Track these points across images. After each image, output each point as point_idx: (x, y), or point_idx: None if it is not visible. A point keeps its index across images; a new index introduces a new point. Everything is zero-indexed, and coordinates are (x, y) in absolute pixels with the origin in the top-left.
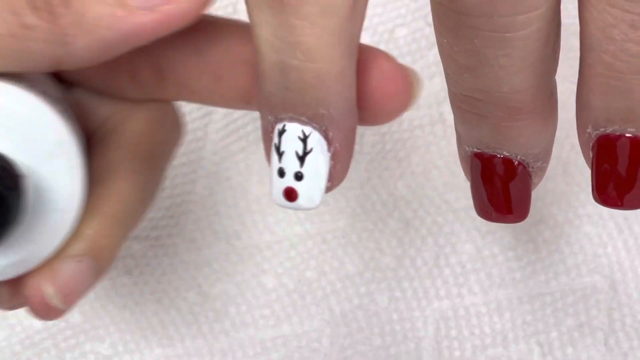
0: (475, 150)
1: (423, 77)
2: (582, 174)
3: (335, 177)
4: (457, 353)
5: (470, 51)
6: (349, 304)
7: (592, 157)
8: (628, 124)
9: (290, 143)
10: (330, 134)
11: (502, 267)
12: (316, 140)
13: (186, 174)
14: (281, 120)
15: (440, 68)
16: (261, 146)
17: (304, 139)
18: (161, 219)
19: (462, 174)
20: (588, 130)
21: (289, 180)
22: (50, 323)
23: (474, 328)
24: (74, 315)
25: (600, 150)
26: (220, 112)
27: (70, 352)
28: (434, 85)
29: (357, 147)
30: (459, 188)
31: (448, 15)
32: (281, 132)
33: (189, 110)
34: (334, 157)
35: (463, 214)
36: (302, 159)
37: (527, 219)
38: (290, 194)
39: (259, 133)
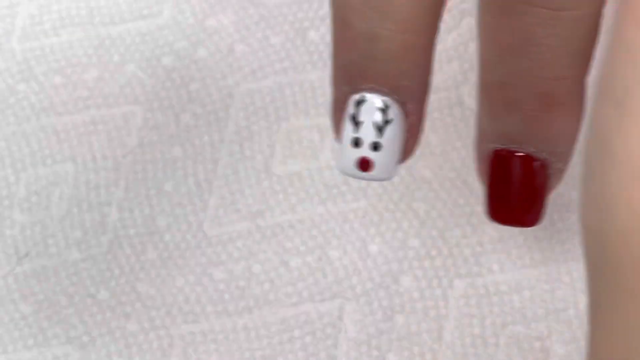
0: (498, 146)
1: (441, 61)
2: None
3: (408, 150)
4: (477, 330)
5: (518, 29)
6: (371, 283)
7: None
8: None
9: (370, 114)
10: (409, 106)
11: (521, 248)
12: (395, 112)
13: (209, 154)
14: (360, 90)
15: (458, 52)
16: (283, 125)
17: (385, 110)
18: (184, 196)
19: None
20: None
21: (365, 151)
22: (77, 299)
23: (494, 306)
24: (101, 292)
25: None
26: (242, 92)
27: (97, 328)
28: (452, 69)
29: None
30: None
31: None
32: (360, 102)
33: (210, 91)
34: (408, 130)
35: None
36: (381, 129)
37: (548, 202)
38: (365, 164)
39: (281, 113)
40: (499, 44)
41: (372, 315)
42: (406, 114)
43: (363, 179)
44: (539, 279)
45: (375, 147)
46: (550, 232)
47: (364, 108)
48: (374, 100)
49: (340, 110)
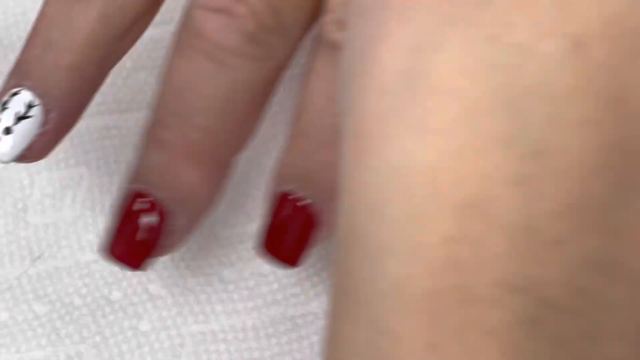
0: (136, 186)
1: None
2: None
3: (33, 150)
4: None
5: (184, 72)
6: None
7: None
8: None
9: (17, 105)
10: (51, 114)
11: None
12: (37, 112)
13: None
14: (21, 85)
15: None
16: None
17: (29, 107)
18: None
19: None
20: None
21: None
22: (89, 299)
23: None
24: (113, 293)
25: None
26: None
27: (110, 328)
28: None
29: None
30: None
31: (181, 33)
32: (15, 94)
33: None
34: (42, 134)
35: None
36: (18, 120)
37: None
38: None
39: (289, 117)
40: (167, 84)
41: None
42: (46, 120)
43: None
44: None
45: (7, 131)
46: None
47: (16, 99)
48: (26, 96)
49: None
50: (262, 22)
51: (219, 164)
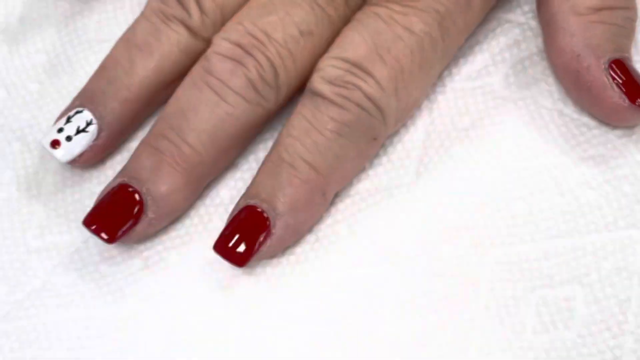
0: (124, 181)
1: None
2: (619, 139)
3: (83, 156)
4: (509, 293)
5: (192, 96)
6: (414, 251)
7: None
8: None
9: (79, 120)
10: (102, 134)
11: (549, 220)
12: (93, 128)
13: None
14: (83, 106)
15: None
16: None
17: (87, 124)
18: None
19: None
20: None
21: (61, 137)
22: (150, 262)
23: (525, 271)
24: (172, 255)
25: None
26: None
27: (170, 287)
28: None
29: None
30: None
31: (197, 67)
32: (79, 112)
33: None
34: (92, 147)
35: (514, 173)
36: (78, 132)
37: (572, 182)
38: (55, 144)
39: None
40: (174, 104)
41: (413, 280)
42: (99, 135)
43: (49, 152)
44: (565, 247)
45: (68, 138)
46: (575, 207)
47: (79, 116)
48: (87, 115)
49: (66, 111)
50: (263, 76)
51: (197, 180)
